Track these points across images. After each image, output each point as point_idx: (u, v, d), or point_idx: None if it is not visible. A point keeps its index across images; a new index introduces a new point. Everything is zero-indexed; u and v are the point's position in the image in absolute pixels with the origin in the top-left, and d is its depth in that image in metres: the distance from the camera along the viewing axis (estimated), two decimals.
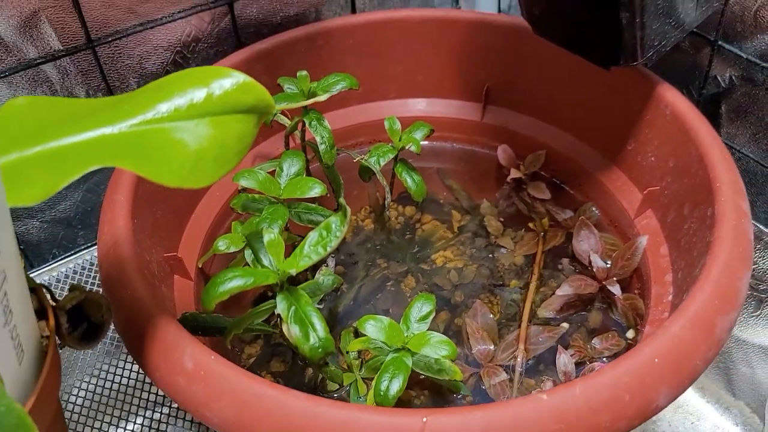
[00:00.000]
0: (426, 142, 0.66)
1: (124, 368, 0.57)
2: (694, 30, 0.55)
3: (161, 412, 0.54)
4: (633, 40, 0.46)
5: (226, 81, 0.34)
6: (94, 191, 0.63)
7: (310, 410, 0.35)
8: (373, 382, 0.45)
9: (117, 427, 0.54)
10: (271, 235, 0.39)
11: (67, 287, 0.61)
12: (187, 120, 0.33)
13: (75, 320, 0.35)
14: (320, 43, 0.62)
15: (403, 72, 0.66)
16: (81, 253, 0.64)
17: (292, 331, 0.39)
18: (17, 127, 0.31)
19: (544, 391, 0.35)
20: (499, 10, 0.76)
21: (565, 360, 0.48)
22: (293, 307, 0.39)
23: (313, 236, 0.40)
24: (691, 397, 0.60)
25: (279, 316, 0.45)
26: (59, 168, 0.29)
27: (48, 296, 0.35)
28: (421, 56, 0.65)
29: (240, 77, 0.34)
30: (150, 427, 0.54)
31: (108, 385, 0.56)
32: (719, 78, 0.59)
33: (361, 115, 0.67)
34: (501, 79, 0.65)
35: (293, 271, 0.38)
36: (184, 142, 0.32)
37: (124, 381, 0.56)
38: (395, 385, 0.43)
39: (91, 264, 0.63)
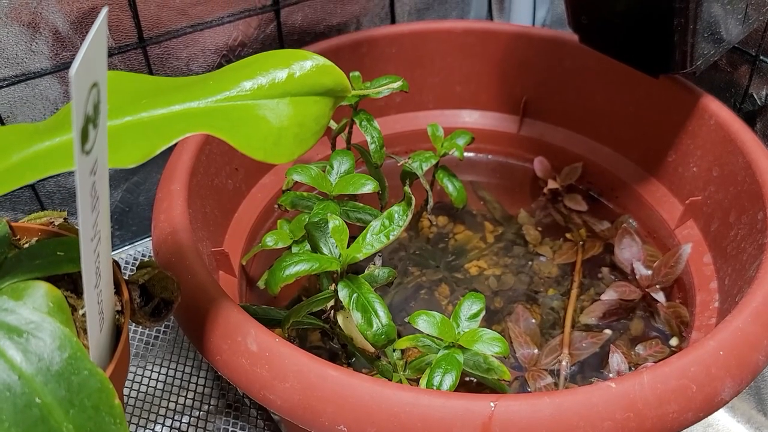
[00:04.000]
0: None
1: (144, 375, 0.55)
2: (735, 46, 0.56)
3: (181, 421, 0.53)
4: (684, 47, 0.47)
5: (307, 63, 0.35)
6: (133, 191, 0.63)
7: (378, 393, 0.35)
8: (424, 378, 0.45)
9: None
10: (336, 221, 0.39)
11: None
12: (269, 99, 0.34)
13: (144, 297, 0.36)
14: (364, 51, 0.63)
15: (442, 82, 0.67)
16: (116, 252, 0.64)
17: (354, 317, 0.39)
18: (109, 98, 0.32)
19: (612, 379, 0.35)
20: (533, 24, 0.77)
21: (618, 359, 0.48)
22: (355, 294, 0.39)
23: (375, 225, 0.40)
24: (721, 417, 0.60)
25: (333, 308, 0.45)
26: (155, 135, 0.29)
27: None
28: (460, 67, 0.66)
29: (319, 60, 0.35)
30: None
31: (136, 388, 0.55)
32: (755, 96, 0.60)
33: (399, 125, 0.68)
34: (539, 91, 0.66)
35: (360, 256, 0.38)
36: (266, 119, 0.33)
37: (143, 389, 0.55)
38: (448, 380, 0.42)
39: (126, 263, 0.63)
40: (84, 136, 0.23)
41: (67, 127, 0.30)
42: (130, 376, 0.56)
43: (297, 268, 0.38)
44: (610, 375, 0.50)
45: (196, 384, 0.55)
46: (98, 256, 0.28)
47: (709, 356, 0.36)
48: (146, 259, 0.63)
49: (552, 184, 0.65)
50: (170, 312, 0.36)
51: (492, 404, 0.34)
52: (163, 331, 0.58)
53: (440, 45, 0.65)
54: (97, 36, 0.23)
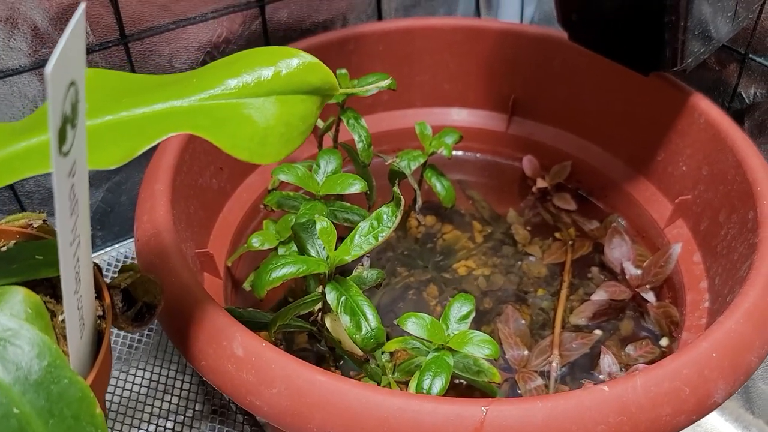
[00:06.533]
0: None
1: (127, 379, 0.54)
2: (724, 44, 0.56)
3: (165, 427, 0.52)
4: (675, 45, 0.46)
5: (293, 60, 0.34)
6: (115, 191, 0.62)
7: (367, 398, 0.34)
8: (413, 382, 0.45)
9: None
10: (324, 223, 0.38)
11: None
12: (255, 97, 0.33)
13: (126, 301, 0.35)
14: (351, 48, 0.62)
15: (430, 80, 0.66)
16: (98, 253, 0.63)
17: (342, 321, 0.38)
18: (88, 96, 0.31)
19: (604, 382, 0.35)
20: (521, 22, 0.77)
21: (609, 361, 0.48)
22: (343, 297, 0.39)
23: (364, 226, 0.40)
24: (710, 416, 0.60)
25: (320, 311, 0.44)
26: (137, 135, 0.28)
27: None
28: (448, 65, 0.66)
29: (306, 57, 0.34)
30: None
31: (119, 392, 0.54)
32: (743, 94, 0.60)
33: (386, 123, 0.67)
34: (528, 89, 0.65)
35: (348, 258, 0.38)
36: (252, 118, 0.32)
37: (126, 393, 0.54)
38: (438, 384, 0.42)
39: (109, 264, 0.62)
40: (62, 137, 0.22)
41: (44, 127, 0.29)
42: (113, 380, 0.55)
43: (284, 270, 0.37)
44: (601, 376, 0.49)
45: (181, 388, 0.54)
46: (78, 261, 0.27)
47: (702, 358, 0.36)
48: (129, 261, 0.61)
49: (541, 183, 0.64)
50: (153, 317, 0.35)
51: (483, 409, 0.33)
52: (147, 335, 0.57)
53: (428, 42, 0.64)
54: (75, 32, 0.22)
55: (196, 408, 0.53)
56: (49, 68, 0.20)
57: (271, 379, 0.35)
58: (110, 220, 0.63)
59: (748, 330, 0.37)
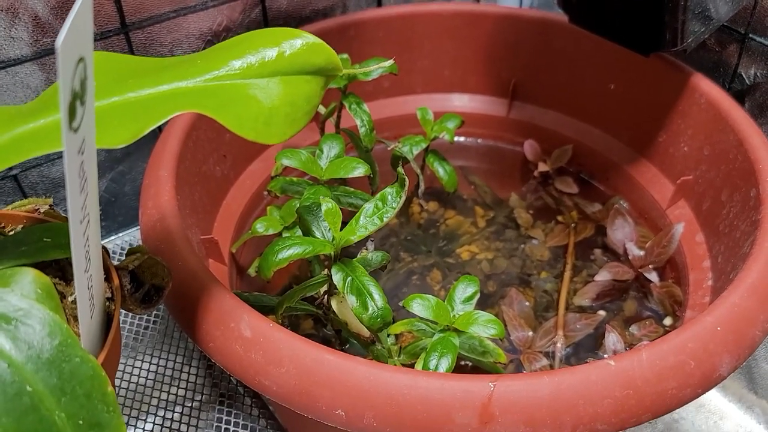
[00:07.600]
0: None
1: (135, 367, 0.55)
2: (724, 24, 0.56)
3: (175, 411, 0.53)
4: (675, 24, 0.46)
5: (297, 41, 0.34)
6: (118, 181, 0.62)
7: (375, 376, 0.34)
8: (419, 363, 0.45)
9: (128, 425, 0.52)
10: (329, 204, 0.39)
11: None
12: (259, 78, 0.33)
13: (134, 283, 0.35)
14: (351, 34, 0.62)
15: (430, 66, 0.67)
16: (103, 242, 0.63)
17: (349, 301, 0.38)
18: (95, 78, 0.31)
19: (610, 357, 0.35)
20: (521, 6, 0.77)
21: (614, 339, 0.48)
22: (350, 278, 0.39)
23: (368, 207, 0.40)
24: (713, 396, 0.60)
25: (326, 294, 0.45)
26: (143, 115, 0.28)
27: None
28: (449, 51, 0.66)
29: (310, 38, 0.34)
30: (163, 426, 0.52)
31: (126, 380, 0.54)
32: (744, 75, 0.60)
33: (387, 110, 0.67)
34: (528, 74, 0.65)
35: (354, 239, 0.38)
36: (257, 98, 0.32)
37: (134, 380, 0.54)
38: (444, 364, 0.42)
39: (114, 252, 0.62)
40: (72, 113, 0.22)
41: (51, 108, 0.29)
42: (120, 368, 0.55)
43: (290, 251, 0.38)
44: (606, 355, 0.49)
45: (189, 373, 0.54)
46: (87, 240, 0.27)
47: (706, 332, 0.36)
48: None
49: (542, 167, 0.64)
50: (161, 298, 0.35)
51: (491, 384, 0.34)
52: (153, 322, 0.57)
53: (428, 28, 0.64)
54: (83, 8, 0.22)
55: (204, 394, 0.53)
56: (59, 41, 0.20)
57: (279, 359, 0.35)
58: (114, 209, 0.63)
59: (752, 304, 0.37)
